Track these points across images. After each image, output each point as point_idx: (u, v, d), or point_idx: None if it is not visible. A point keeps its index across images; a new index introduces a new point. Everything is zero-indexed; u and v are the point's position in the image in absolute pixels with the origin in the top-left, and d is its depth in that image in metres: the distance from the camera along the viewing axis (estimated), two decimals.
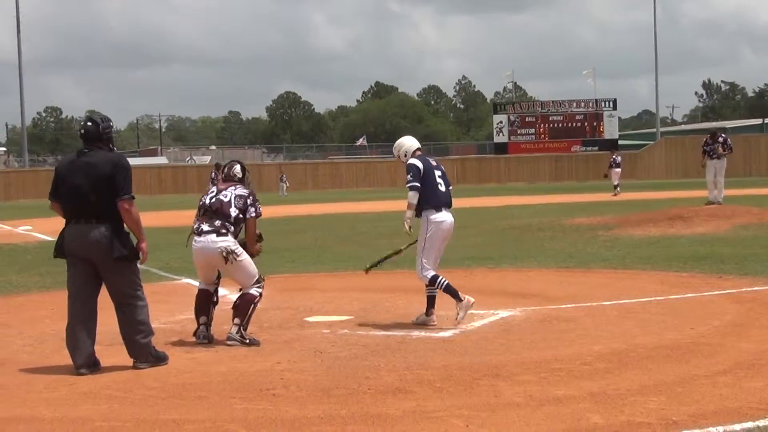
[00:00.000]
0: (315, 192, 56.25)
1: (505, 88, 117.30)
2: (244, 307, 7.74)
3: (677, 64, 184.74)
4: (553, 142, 62.65)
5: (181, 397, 6.05)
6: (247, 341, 7.65)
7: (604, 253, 14.34)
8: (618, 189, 36.11)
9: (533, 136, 63.10)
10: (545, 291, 10.50)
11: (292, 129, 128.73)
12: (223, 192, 7.94)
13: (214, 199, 7.90)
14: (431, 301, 8.53)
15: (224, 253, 7.64)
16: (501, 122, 63.95)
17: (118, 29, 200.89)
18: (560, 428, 5.13)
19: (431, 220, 8.41)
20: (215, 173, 33.10)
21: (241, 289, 7.93)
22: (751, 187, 36.99)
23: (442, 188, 8.51)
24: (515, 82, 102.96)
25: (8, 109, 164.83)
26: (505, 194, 40.44)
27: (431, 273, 8.39)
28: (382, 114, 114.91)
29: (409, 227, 8.42)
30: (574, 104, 63.52)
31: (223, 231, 7.69)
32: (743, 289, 10.13)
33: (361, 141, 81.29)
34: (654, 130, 72.30)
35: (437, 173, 8.52)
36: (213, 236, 7.68)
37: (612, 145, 55.79)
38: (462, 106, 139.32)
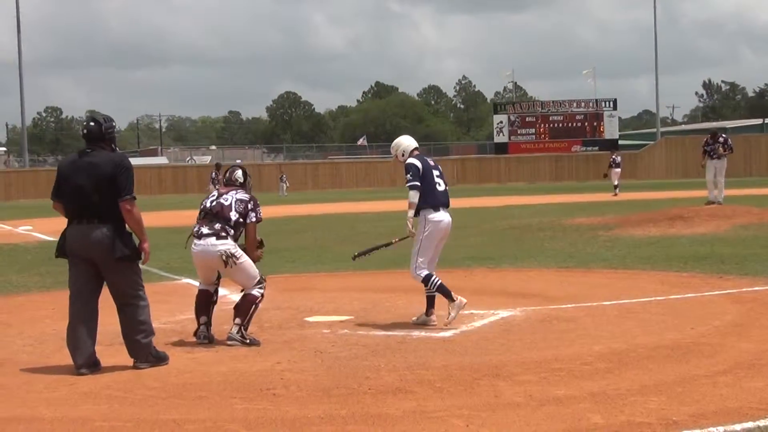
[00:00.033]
0: (315, 192, 56.26)
1: (505, 88, 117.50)
2: (245, 308, 7.74)
3: (677, 64, 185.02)
4: (554, 142, 62.66)
5: (182, 397, 6.05)
6: (248, 341, 7.65)
7: (605, 253, 14.34)
8: (618, 189, 36.12)
9: (533, 136, 63.11)
10: (545, 291, 10.50)
11: (293, 129, 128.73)
12: (224, 196, 7.95)
13: (214, 203, 7.92)
14: (431, 301, 8.52)
15: (224, 257, 7.65)
16: (501, 122, 63.95)
17: (118, 29, 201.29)
18: (560, 428, 5.13)
19: (429, 220, 8.40)
20: (216, 173, 33.15)
21: (242, 290, 7.94)
22: (752, 187, 37.00)
23: (441, 187, 8.52)
24: (515, 82, 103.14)
25: (8, 109, 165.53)
26: (506, 194, 40.44)
27: (425, 272, 8.38)
28: (382, 114, 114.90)
29: (412, 226, 8.42)
30: (575, 104, 63.53)
31: (223, 234, 7.69)
32: (743, 289, 10.13)
33: (361, 141, 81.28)
34: (654, 130, 72.31)
35: (435, 173, 8.52)
36: (213, 239, 7.69)
37: (612, 145, 55.80)
38: (462, 106, 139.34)
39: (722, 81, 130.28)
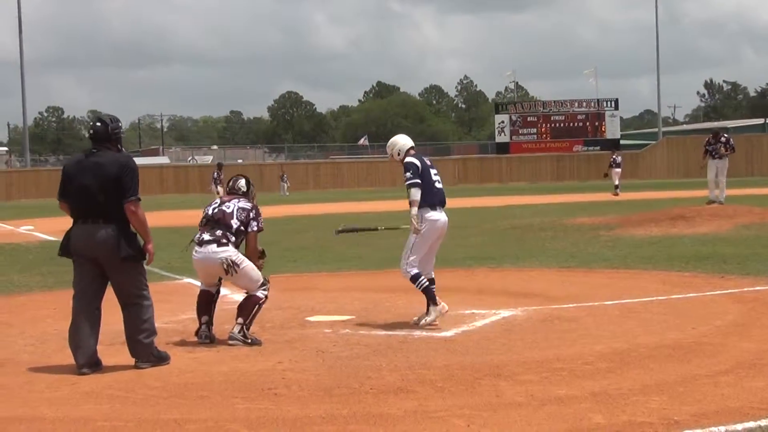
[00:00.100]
0: (316, 192, 56.25)
1: (506, 88, 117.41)
2: (248, 308, 7.75)
3: (679, 64, 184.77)
4: (555, 141, 62.66)
5: (183, 396, 6.05)
6: (249, 341, 7.65)
7: (606, 252, 14.34)
8: (618, 189, 36.10)
9: (535, 136, 63.11)
10: (547, 291, 10.50)
11: (294, 129, 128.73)
12: (227, 203, 7.98)
13: (216, 210, 7.95)
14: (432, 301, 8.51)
15: (225, 265, 7.67)
16: (503, 122, 63.94)
17: (119, 29, 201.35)
18: (562, 428, 5.13)
19: (426, 218, 8.39)
20: (218, 173, 33.21)
21: (247, 293, 7.94)
22: (753, 186, 36.98)
23: (438, 186, 8.53)
24: (517, 82, 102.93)
25: (10, 108, 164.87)
26: (507, 194, 40.43)
27: (415, 271, 8.38)
28: (383, 114, 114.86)
29: (417, 223, 8.34)
30: (576, 104, 63.53)
31: (224, 241, 7.71)
32: (745, 289, 10.13)
33: (362, 141, 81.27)
34: (656, 129, 72.21)
35: (433, 171, 8.54)
36: (214, 246, 7.70)
37: (614, 145, 55.81)
38: (464, 106, 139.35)
39: (724, 81, 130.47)
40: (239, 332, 7.67)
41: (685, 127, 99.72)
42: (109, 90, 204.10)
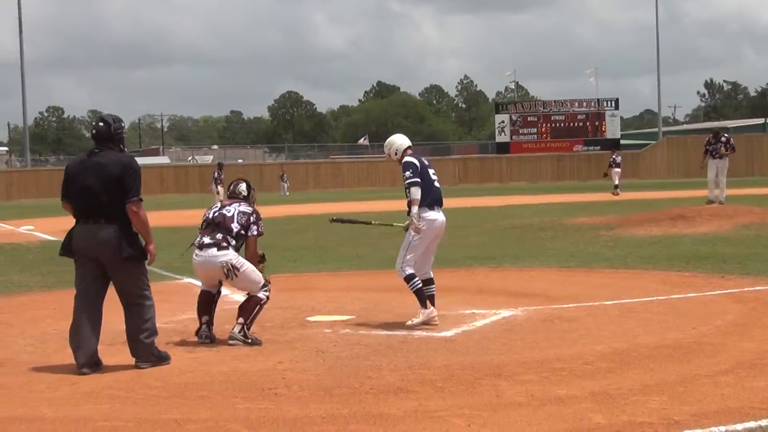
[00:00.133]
0: (317, 191, 56.22)
1: (506, 88, 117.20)
2: (249, 308, 7.75)
3: (679, 64, 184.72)
4: (555, 141, 62.61)
5: (183, 396, 6.05)
6: (250, 341, 7.66)
7: (606, 252, 14.34)
8: (618, 189, 36.10)
9: (535, 136, 63.05)
10: (547, 290, 10.50)
11: (294, 129, 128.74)
12: (227, 207, 8.00)
13: (216, 213, 7.98)
14: (431, 300, 8.52)
15: (225, 269, 7.67)
16: (503, 122, 63.89)
17: (119, 29, 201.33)
18: (562, 428, 5.13)
19: (424, 218, 8.38)
20: (218, 173, 33.21)
21: (248, 294, 7.94)
22: (753, 186, 36.95)
23: (436, 186, 8.54)
24: (517, 82, 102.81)
25: (10, 108, 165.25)
26: (507, 194, 40.42)
27: (410, 270, 8.37)
28: (384, 114, 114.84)
29: (418, 222, 8.33)
30: (576, 104, 63.46)
31: (224, 244, 7.71)
32: (745, 289, 10.13)
33: (363, 141, 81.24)
34: (656, 129, 72.17)
35: (431, 171, 8.55)
36: (214, 250, 7.71)
37: (614, 145, 55.73)
38: (464, 106, 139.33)
39: (724, 81, 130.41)
40: (240, 332, 7.67)
41: (685, 127, 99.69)
42: (110, 90, 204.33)
